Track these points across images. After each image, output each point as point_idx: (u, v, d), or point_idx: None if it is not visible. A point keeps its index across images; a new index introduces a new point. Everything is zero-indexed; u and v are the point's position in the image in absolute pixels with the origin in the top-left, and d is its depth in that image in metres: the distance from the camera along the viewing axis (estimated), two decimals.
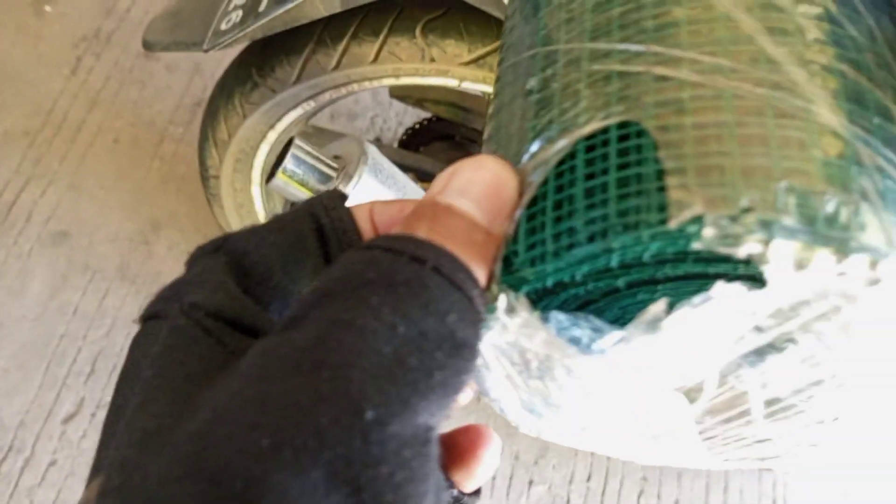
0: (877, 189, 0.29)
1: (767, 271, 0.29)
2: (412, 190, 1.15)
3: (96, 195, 1.64)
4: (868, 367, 0.35)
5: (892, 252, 0.28)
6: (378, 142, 1.68)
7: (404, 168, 1.24)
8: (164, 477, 0.24)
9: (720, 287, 0.29)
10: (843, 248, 0.28)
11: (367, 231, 0.40)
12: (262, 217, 1.32)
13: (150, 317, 0.34)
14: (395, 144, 1.57)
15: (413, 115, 1.74)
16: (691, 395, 0.39)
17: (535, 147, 0.33)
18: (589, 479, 1.62)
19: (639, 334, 0.30)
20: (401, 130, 1.75)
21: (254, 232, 0.38)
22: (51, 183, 1.64)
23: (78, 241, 1.60)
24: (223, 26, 1.07)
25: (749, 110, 0.30)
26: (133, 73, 1.76)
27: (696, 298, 0.29)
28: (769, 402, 0.38)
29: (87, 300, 1.55)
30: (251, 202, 1.31)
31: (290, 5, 1.02)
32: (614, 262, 0.30)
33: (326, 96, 1.15)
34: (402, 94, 1.46)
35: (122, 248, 1.61)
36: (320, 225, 0.38)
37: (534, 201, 0.32)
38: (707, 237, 0.28)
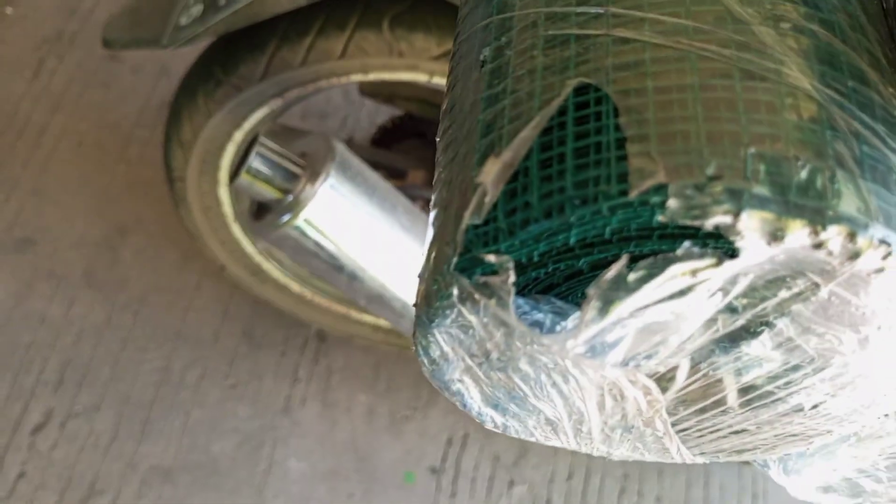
0: (853, 155, 0.27)
1: (739, 244, 0.26)
2: (382, 188, 1.12)
3: (61, 200, 1.60)
4: (849, 350, 0.33)
5: (871, 222, 0.26)
6: (350, 141, 1.65)
7: (376, 166, 1.22)
8: None
9: (687, 247, 0.27)
10: (819, 219, 0.26)
11: None
12: (230, 220, 1.29)
13: None
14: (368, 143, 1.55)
15: (386, 114, 1.72)
16: (663, 383, 0.37)
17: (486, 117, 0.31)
18: (570, 477, 1.60)
19: (602, 296, 0.28)
20: (374, 130, 1.73)
21: None
22: (14, 188, 1.60)
23: (43, 247, 1.56)
24: (183, 21, 1.04)
25: (715, 72, 0.28)
26: (97, 75, 1.72)
27: (661, 257, 0.27)
28: (744, 390, 0.36)
29: (54, 308, 1.51)
30: (219, 205, 1.27)
31: None
32: (573, 238, 0.27)
33: (294, 93, 1.12)
34: (373, 91, 1.43)
35: (87, 254, 1.57)
36: None
37: None
38: (672, 208, 0.26)
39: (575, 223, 0.27)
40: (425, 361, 0.36)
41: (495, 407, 0.40)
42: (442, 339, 0.34)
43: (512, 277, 0.28)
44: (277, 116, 1.26)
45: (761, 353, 0.33)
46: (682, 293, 0.28)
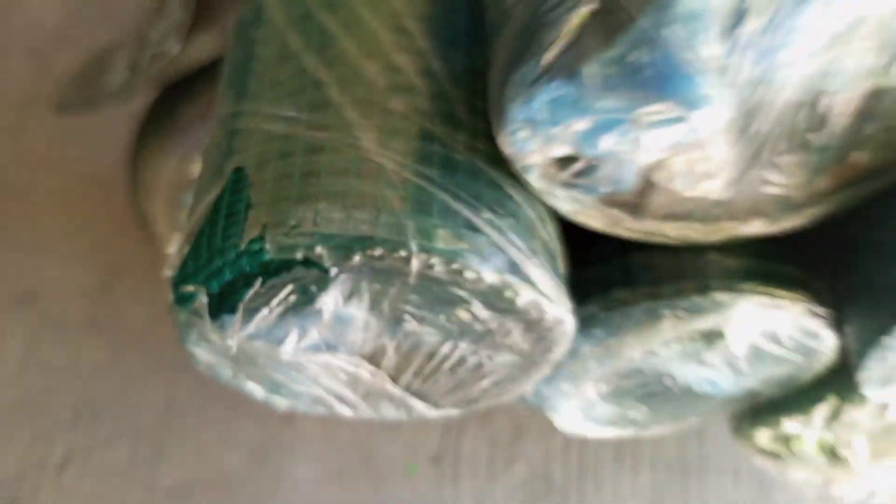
0: (400, 196, 0.43)
1: (327, 265, 0.42)
2: None
3: (56, 253, 1.77)
4: (470, 320, 0.48)
5: (406, 239, 0.42)
6: None
7: None
8: None
9: (298, 269, 0.43)
10: (369, 243, 0.42)
11: None
12: None
13: None
14: None
15: None
16: (376, 359, 0.53)
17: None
18: (566, 449, 1.71)
19: (246, 306, 0.44)
20: None
21: None
22: (11, 248, 1.75)
23: (45, 299, 1.72)
24: (113, 87, 1.22)
25: (312, 150, 0.44)
26: (76, 130, 1.88)
27: (282, 276, 0.43)
28: (429, 356, 0.52)
29: (62, 354, 1.66)
30: None
31: (165, 60, 1.16)
32: (230, 276, 0.44)
33: None
34: None
35: (87, 299, 1.74)
36: None
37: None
38: (270, 250, 0.42)
39: (223, 265, 0.43)
40: (202, 369, 0.52)
41: (277, 393, 0.56)
42: (201, 352, 0.50)
43: (204, 301, 0.45)
44: None
45: (417, 329, 0.49)
46: (311, 297, 0.44)
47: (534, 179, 0.46)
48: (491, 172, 0.46)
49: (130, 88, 1.21)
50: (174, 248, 0.46)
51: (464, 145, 0.46)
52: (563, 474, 1.72)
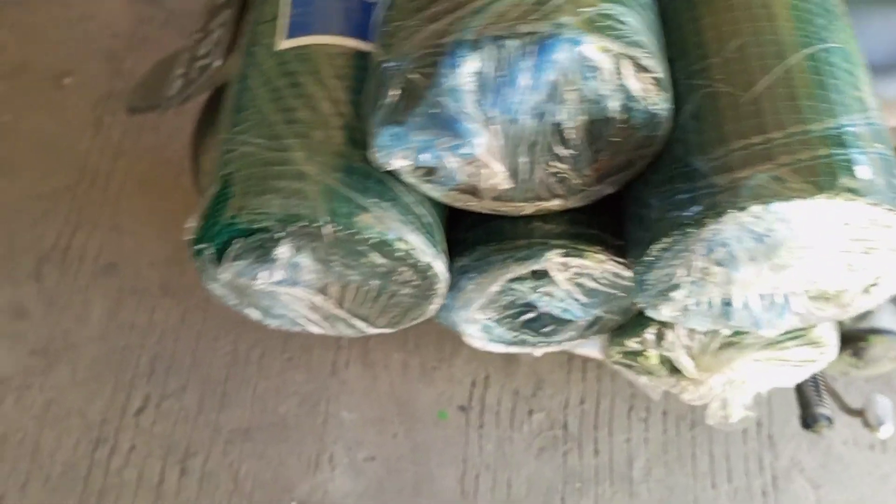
0: (316, 191, 0.77)
1: (275, 232, 0.78)
2: None
3: (134, 230, 1.99)
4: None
5: (319, 216, 0.76)
6: None
7: None
8: None
9: (266, 235, 0.78)
10: (296, 219, 0.76)
11: None
12: None
13: None
14: None
15: None
16: (325, 291, 0.87)
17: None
18: (582, 402, 1.84)
19: (232, 254, 0.79)
20: None
21: None
22: (95, 226, 2.00)
23: (125, 270, 1.94)
24: (171, 92, 1.57)
25: (266, 163, 0.79)
26: (147, 122, 2.08)
27: (254, 238, 0.78)
28: (357, 289, 0.87)
29: (140, 316, 1.88)
30: None
31: (210, 71, 1.51)
32: (223, 236, 0.79)
33: None
34: None
35: (161, 269, 1.94)
36: None
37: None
38: (242, 223, 0.77)
39: (220, 231, 0.79)
40: (217, 297, 0.88)
41: (268, 315, 0.92)
42: (214, 286, 0.86)
43: (210, 252, 0.80)
44: None
45: (344, 271, 0.83)
46: (270, 250, 0.79)
47: (405, 178, 0.80)
48: (378, 174, 0.80)
49: (185, 94, 1.56)
50: (190, 222, 0.82)
51: (361, 157, 0.80)
52: (580, 424, 1.92)
